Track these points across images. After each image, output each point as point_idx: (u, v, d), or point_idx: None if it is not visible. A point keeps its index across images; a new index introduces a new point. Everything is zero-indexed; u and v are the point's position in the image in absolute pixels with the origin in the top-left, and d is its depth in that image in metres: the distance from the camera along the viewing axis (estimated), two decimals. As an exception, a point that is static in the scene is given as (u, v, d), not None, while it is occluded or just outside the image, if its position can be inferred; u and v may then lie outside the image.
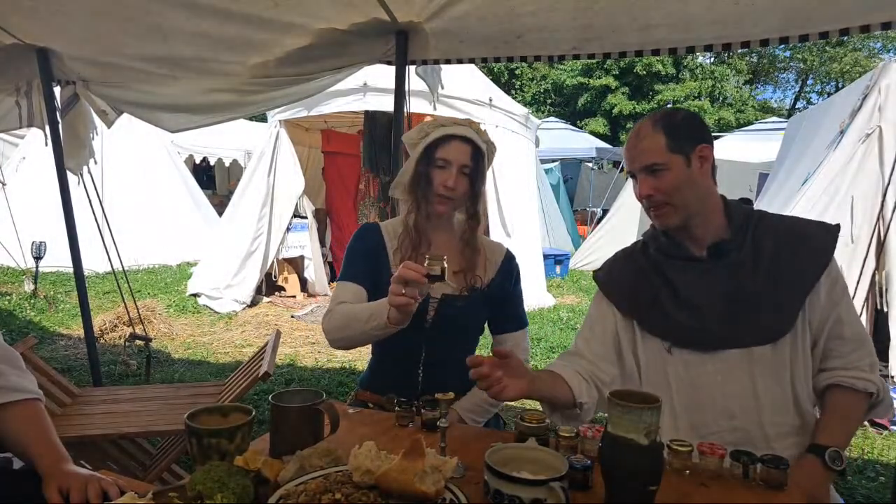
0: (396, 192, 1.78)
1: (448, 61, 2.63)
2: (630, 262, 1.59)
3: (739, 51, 7.03)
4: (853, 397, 1.38)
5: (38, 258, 6.68)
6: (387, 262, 1.71)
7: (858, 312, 4.16)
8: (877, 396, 1.39)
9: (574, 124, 18.81)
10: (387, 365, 1.80)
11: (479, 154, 1.68)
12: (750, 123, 17.25)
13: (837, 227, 1.44)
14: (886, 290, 4.27)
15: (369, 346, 1.81)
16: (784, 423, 1.40)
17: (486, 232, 6.62)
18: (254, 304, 6.56)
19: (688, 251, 1.47)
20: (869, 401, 1.39)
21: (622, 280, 1.57)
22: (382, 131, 6.48)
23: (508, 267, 1.80)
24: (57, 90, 3.25)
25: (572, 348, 1.62)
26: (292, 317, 6.20)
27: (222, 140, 11.81)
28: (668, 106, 21.26)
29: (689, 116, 1.46)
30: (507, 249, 1.85)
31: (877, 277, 4.31)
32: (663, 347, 1.47)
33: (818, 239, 1.42)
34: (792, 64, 25.97)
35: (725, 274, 1.43)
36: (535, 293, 6.98)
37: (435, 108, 4.72)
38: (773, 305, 1.39)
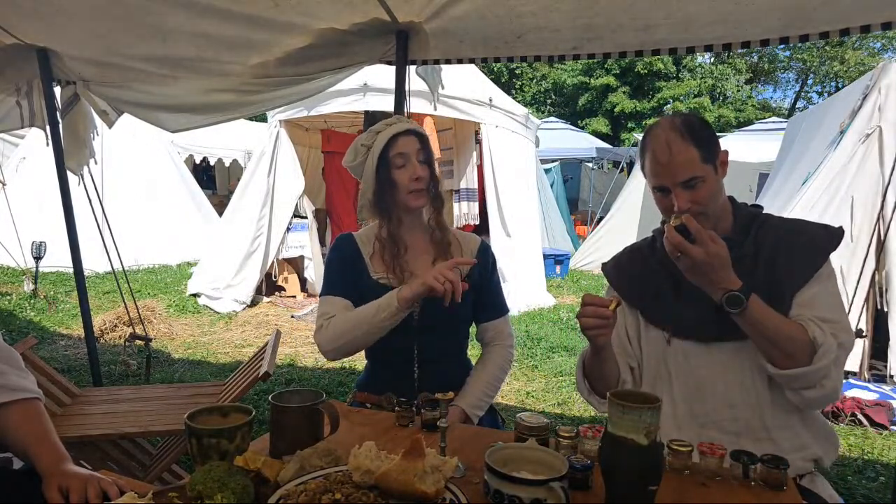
0: (364, 214, 1.81)
1: (448, 61, 2.63)
2: (637, 255, 1.65)
3: (739, 51, 7.02)
4: (798, 325, 1.32)
5: (38, 258, 6.68)
6: (364, 267, 1.75)
7: (858, 312, 4.19)
8: (816, 351, 1.29)
9: (575, 124, 18.80)
10: (383, 366, 1.81)
11: (424, 140, 1.75)
12: (750, 122, 17.26)
13: (841, 230, 1.45)
14: (886, 290, 4.27)
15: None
16: (784, 415, 1.42)
17: (487, 232, 6.63)
18: (254, 304, 6.56)
19: None
20: (809, 350, 1.29)
21: (629, 272, 1.63)
22: (382, 131, 6.49)
23: (485, 255, 1.84)
24: (57, 90, 3.25)
25: None
26: (292, 317, 6.20)
27: (222, 140, 11.80)
28: (668, 107, 21.25)
29: (702, 121, 1.45)
30: (482, 240, 1.90)
31: (877, 277, 4.31)
32: (664, 337, 1.52)
33: (815, 238, 1.44)
34: (792, 64, 25.96)
35: None
36: (535, 293, 6.93)
37: (435, 108, 4.72)
38: (768, 302, 1.39)
